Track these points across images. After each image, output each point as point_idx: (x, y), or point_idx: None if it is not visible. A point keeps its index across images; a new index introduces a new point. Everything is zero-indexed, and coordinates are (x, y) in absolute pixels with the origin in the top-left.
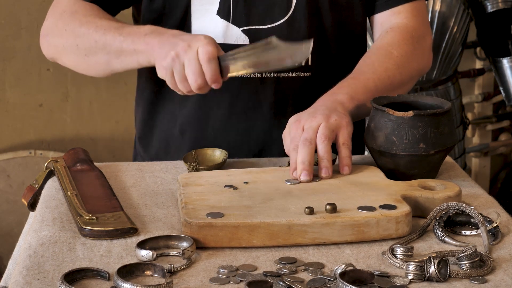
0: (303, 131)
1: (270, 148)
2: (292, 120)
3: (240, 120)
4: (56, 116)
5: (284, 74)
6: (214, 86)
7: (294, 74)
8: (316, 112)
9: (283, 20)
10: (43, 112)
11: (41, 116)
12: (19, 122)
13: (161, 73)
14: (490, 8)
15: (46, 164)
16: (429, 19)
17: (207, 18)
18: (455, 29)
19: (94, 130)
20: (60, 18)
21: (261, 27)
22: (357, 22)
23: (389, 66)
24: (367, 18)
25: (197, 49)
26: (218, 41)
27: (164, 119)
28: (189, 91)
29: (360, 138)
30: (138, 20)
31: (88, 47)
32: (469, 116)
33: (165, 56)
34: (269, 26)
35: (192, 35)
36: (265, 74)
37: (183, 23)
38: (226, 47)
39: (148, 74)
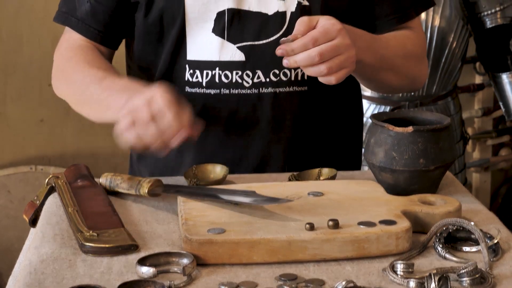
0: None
1: (269, 163)
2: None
3: (239, 136)
4: (57, 131)
5: (281, 89)
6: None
7: (291, 89)
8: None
9: (278, 34)
10: (44, 127)
11: (42, 131)
12: (20, 137)
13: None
14: (489, 24)
15: (47, 180)
16: (429, 35)
17: (202, 36)
18: (454, 45)
19: (95, 146)
20: (60, 62)
21: (256, 42)
22: None
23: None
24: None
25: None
26: (213, 59)
27: None
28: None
29: (358, 154)
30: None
31: (78, 98)
32: (469, 131)
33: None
34: (264, 41)
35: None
36: (262, 89)
37: (180, 41)
38: (222, 64)
39: None
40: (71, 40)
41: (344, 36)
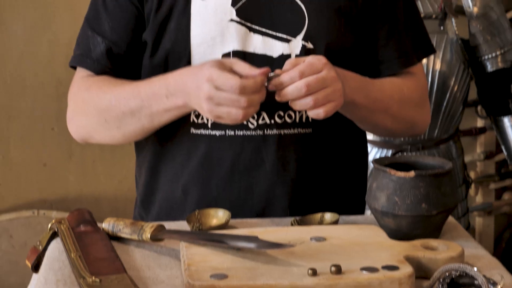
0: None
1: (273, 205)
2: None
3: (243, 177)
4: (59, 175)
5: (285, 131)
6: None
7: (296, 131)
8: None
9: None
10: (47, 171)
11: (45, 175)
12: (22, 181)
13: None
14: (490, 68)
15: (50, 225)
16: (430, 79)
17: None
18: (455, 88)
19: (97, 189)
20: (79, 98)
21: None
22: None
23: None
24: None
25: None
26: None
27: (166, 181)
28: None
29: (362, 197)
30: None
31: (117, 119)
32: (472, 174)
33: (199, 100)
34: None
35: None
36: (267, 131)
37: None
38: None
39: (147, 138)
40: (84, 76)
41: (329, 69)
